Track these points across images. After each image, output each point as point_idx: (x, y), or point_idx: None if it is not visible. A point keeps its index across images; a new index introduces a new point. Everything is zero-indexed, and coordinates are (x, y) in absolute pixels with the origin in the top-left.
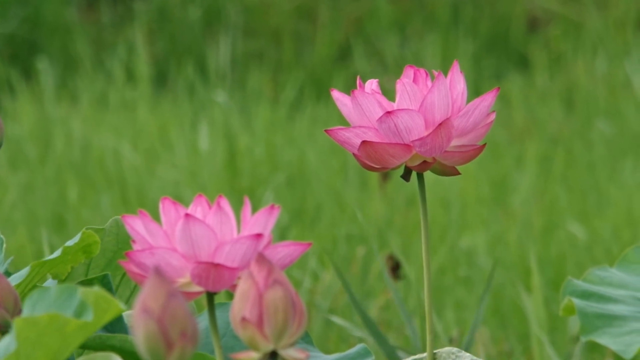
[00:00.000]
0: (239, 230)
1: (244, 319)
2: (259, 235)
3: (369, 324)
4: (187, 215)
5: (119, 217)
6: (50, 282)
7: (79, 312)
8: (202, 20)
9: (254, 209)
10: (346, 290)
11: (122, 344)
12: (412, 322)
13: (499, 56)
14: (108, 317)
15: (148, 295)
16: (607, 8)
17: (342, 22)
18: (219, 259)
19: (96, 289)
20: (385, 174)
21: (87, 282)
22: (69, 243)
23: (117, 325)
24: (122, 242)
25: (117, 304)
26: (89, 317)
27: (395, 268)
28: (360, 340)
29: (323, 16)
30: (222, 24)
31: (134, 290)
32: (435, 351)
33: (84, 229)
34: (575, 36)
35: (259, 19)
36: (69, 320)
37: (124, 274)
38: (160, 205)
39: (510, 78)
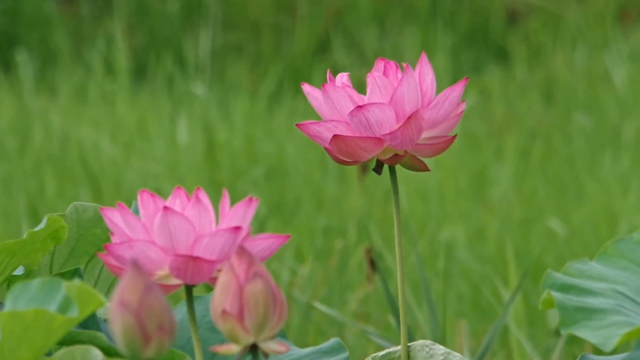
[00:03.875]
0: (217, 223)
1: (224, 312)
2: (237, 228)
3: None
4: (165, 207)
5: (78, 203)
6: (19, 270)
7: (64, 307)
8: (181, 13)
9: (233, 202)
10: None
11: (91, 340)
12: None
13: (478, 49)
14: (89, 311)
15: (125, 288)
16: (586, 1)
17: (322, 14)
18: (198, 252)
19: (78, 283)
20: (364, 167)
21: (59, 276)
22: (36, 229)
23: (89, 319)
24: (83, 229)
25: (99, 298)
26: (74, 312)
27: (374, 261)
28: (339, 334)
29: (302, 9)
30: (201, 16)
31: (97, 279)
32: (409, 344)
33: (48, 215)
34: (555, 29)
35: (238, 12)
36: (55, 316)
37: (88, 262)
38: (139, 198)
39: (489, 71)
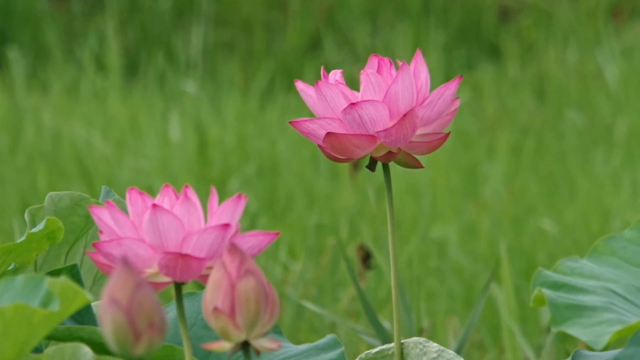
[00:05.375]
0: (206, 220)
1: (216, 309)
2: (226, 225)
3: (366, 305)
4: (154, 205)
5: (54, 193)
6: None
7: (46, 303)
8: (172, 10)
9: (225, 199)
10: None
11: (90, 336)
12: (376, 314)
13: (470, 46)
14: (74, 308)
15: (115, 285)
16: None
17: (313, 11)
18: (187, 249)
19: (63, 279)
20: (356, 164)
21: (56, 273)
22: (34, 230)
23: (85, 316)
24: (61, 218)
25: (83, 294)
26: (55, 307)
27: (366, 258)
28: (331, 330)
29: (294, 6)
30: (192, 13)
31: (80, 266)
32: (402, 341)
33: (47, 218)
34: (547, 26)
35: (229, 9)
36: (35, 311)
37: (68, 251)
38: (127, 196)
39: (481, 68)
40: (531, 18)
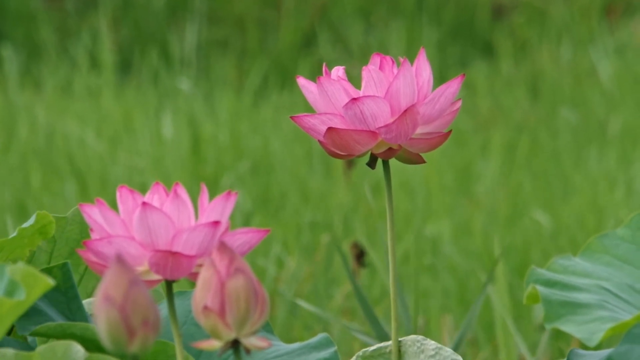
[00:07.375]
0: (197, 217)
1: (205, 308)
2: (216, 223)
3: (364, 304)
4: (144, 203)
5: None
6: None
7: (10, 291)
8: (166, 7)
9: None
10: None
11: (83, 332)
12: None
13: (464, 44)
14: (37, 293)
15: (110, 283)
16: None
17: (307, 9)
18: (177, 247)
19: (22, 265)
20: (350, 162)
21: (47, 271)
22: (25, 225)
23: (77, 313)
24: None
25: (44, 279)
26: (21, 295)
27: (360, 256)
28: (324, 328)
29: (288, 3)
30: (186, 11)
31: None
32: (400, 339)
33: (37, 211)
34: (540, 23)
35: (223, 6)
36: (3, 301)
37: None
38: (118, 194)
39: (475, 66)
40: (525, 16)
